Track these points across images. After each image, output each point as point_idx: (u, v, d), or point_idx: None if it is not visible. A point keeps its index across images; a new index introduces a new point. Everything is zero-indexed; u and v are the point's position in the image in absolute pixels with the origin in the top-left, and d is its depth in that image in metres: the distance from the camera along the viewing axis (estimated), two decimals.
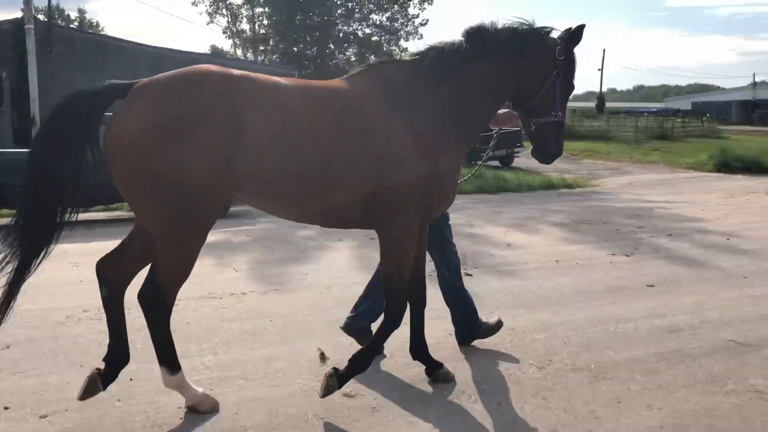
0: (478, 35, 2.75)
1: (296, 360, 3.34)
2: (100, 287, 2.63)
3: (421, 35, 31.13)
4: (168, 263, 2.41)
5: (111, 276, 2.61)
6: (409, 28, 33.32)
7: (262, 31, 34.45)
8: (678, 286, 5.07)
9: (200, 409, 2.66)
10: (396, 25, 33.52)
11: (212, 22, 36.67)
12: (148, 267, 2.55)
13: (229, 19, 35.52)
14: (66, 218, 2.39)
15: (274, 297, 4.45)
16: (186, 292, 3.68)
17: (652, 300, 4.65)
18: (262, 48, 34.36)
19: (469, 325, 3.54)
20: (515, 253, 6.12)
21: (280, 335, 3.72)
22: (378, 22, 33.57)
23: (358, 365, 2.79)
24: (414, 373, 3.18)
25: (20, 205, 2.40)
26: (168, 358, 2.59)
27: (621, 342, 3.77)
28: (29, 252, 2.36)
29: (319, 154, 2.48)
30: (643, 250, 6.47)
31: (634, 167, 18.52)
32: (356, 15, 32.77)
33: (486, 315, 3.82)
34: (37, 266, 2.41)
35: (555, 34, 2.79)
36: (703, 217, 8.61)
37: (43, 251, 2.39)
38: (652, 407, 2.95)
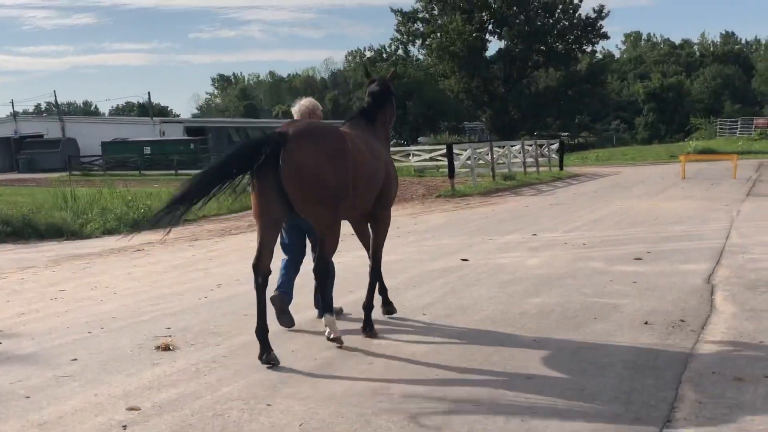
0: (382, 94, 7.88)
1: None
2: (256, 278, 6.57)
3: None
4: (330, 243, 6.55)
5: (263, 269, 6.57)
6: None
7: None
8: None
9: (337, 342, 6.91)
10: None
11: None
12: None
13: None
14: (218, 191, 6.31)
15: None
16: None
17: None
18: None
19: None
20: None
21: None
22: None
23: (368, 305, 7.45)
24: None
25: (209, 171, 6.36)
26: (330, 306, 6.93)
27: None
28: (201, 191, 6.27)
29: (373, 172, 7.00)
30: None
31: None
32: None
33: None
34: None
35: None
36: None
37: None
38: None
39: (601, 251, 12.13)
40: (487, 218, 18.48)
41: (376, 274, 7.67)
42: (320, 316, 7.64)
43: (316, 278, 6.80)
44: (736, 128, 69.67)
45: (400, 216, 20.00)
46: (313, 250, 7.54)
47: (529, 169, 34.59)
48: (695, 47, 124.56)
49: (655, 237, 13.58)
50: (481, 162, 31.02)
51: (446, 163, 28.57)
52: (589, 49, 79.11)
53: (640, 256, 11.38)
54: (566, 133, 75.71)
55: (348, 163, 6.51)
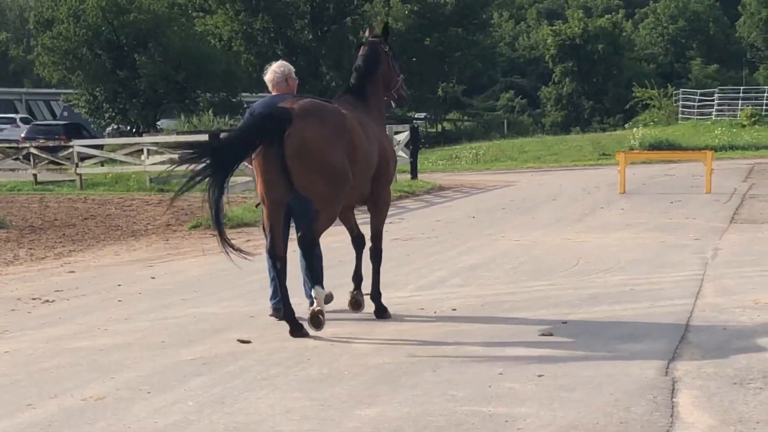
0: (370, 60, 14.40)
1: None
2: (274, 263, 13.29)
3: None
4: (324, 219, 12.65)
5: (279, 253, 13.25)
6: None
7: None
8: None
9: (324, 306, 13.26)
10: None
11: None
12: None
13: None
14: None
15: None
16: None
17: None
18: None
19: None
20: None
21: None
22: None
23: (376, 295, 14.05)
24: None
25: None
26: (319, 278, 13.08)
27: None
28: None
29: (367, 155, 13.51)
30: None
31: None
32: None
33: None
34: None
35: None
36: None
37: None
38: None
39: (484, 323, 12.43)
40: None
41: (378, 258, 13.27)
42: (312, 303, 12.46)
43: (301, 247, 12.27)
44: (712, 106, 72.30)
45: (123, 263, 19.72)
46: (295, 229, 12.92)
47: None
48: None
49: (575, 295, 14.08)
50: None
51: None
52: None
53: (551, 331, 11.72)
54: (422, 115, 77.17)
55: (346, 145, 12.05)
